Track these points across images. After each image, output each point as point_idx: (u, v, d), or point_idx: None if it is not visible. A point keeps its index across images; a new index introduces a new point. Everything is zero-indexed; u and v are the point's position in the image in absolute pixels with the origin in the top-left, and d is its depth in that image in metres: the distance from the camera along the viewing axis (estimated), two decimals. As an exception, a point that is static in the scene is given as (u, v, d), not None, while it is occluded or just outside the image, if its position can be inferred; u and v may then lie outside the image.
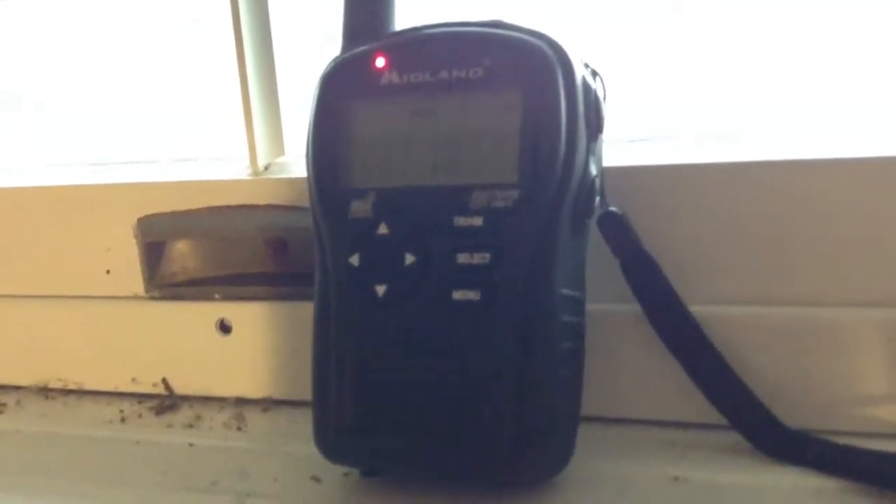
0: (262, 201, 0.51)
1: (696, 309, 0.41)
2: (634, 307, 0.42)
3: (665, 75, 0.50)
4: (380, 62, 0.39)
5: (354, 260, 0.38)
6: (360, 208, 0.39)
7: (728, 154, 0.43)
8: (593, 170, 0.38)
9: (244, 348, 0.52)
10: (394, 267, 0.38)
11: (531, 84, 0.36)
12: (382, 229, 0.38)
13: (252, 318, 0.52)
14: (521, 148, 0.36)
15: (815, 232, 0.41)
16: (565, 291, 0.37)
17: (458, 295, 0.36)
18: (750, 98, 0.49)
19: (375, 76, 0.39)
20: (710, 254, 0.43)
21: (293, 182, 0.51)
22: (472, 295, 0.36)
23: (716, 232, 0.43)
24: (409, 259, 0.37)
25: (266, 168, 0.53)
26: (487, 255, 0.36)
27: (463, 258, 0.37)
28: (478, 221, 0.36)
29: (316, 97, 0.40)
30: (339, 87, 0.40)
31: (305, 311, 0.41)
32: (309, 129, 0.40)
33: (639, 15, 0.50)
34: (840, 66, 0.47)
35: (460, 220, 0.37)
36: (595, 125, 0.38)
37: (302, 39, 0.54)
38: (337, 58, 0.40)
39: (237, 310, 0.52)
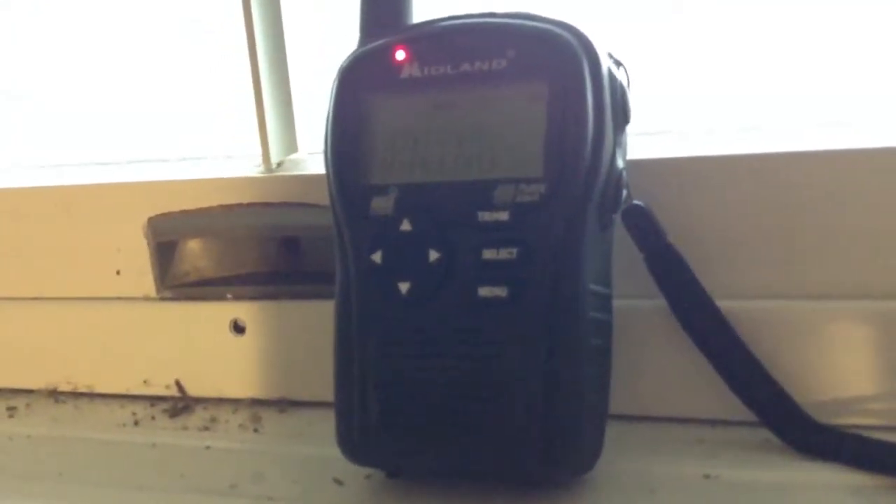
0: (274, 199, 0.50)
1: (724, 303, 0.41)
2: (660, 302, 0.41)
3: (678, 68, 0.49)
4: (400, 55, 0.38)
5: (377, 257, 0.37)
6: (382, 205, 0.38)
7: (750, 146, 0.43)
8: (620, 162, 0.37)
9: (258, 349, 0.51)
10: (417, 264, 0.37)
11: (556, 75, 0.36)
12: (405, 226, 0.37)
13: (266, 317, 0.51)
14: (546, 141, 0.35)
15: (846, 222, 0.41)
16: (593, 287, 0.36)
17: (484, 292, 0.36)
18: (764, 91, 0.48)
19: (396, 69, 0.38)
20: (737, 247, 0.42)
21: (307, 179, 0.50)
22: (499, 291, 0.35)
23: (742, 225, 0.42)
24: (433, 256, 0.36)
25: (279, 165, 0.52)
26: (514, 251, 0.35)
27: (489, 254, 0.36)
28: (503, 216, 0.36)
29: (334, 92, 0.39)
30: (358, 81, 0.39)
31: (320, 310, 0.40)
32: (327, 125, 0.39)
33: (649, 10, 0.49)
34: (853, 57, 0.47)
35: (485, 216, 0.36)
36: (622, 117, 0.37)
37: (314, 34, 0.53)
38: (355, 51, 0.40)
39: (251, 310, 0.51)
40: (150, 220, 0.53)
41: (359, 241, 0.38)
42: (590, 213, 0.36)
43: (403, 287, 0.37)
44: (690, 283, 0.41)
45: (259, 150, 0.52)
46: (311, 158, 0.53)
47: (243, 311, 0.52)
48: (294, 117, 0.53)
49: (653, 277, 0.41)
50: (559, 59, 0.36)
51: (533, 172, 0.36)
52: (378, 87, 0.38)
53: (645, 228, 0.40)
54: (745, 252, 0.42)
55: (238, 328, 0.52)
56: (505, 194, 0.36)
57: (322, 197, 0.41)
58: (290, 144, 0.53)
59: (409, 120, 0.38)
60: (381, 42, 0.39)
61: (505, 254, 0.36)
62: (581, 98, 0.35)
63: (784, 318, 0.42)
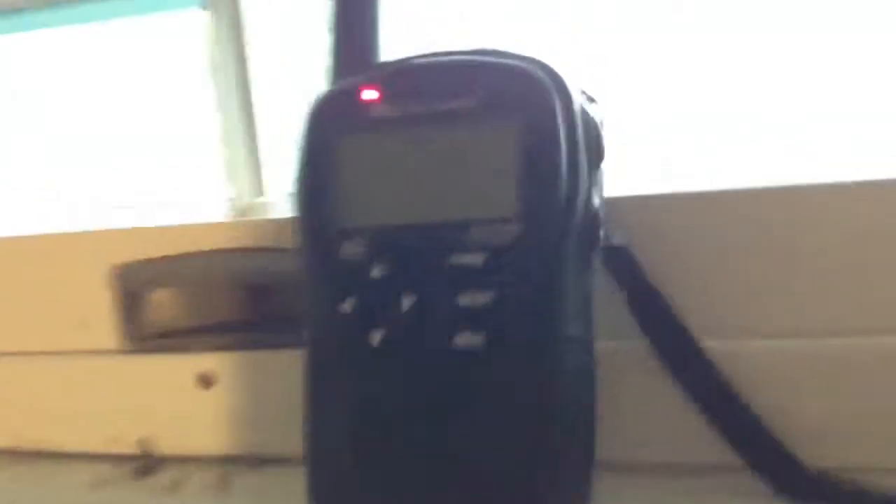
0: (243, 244, 0.49)
1: (709, 344, 0.39)
2: (641, 343, 0.40)
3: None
4: (370, 94, 0.37)
5: (347, 305, 0.36)
6: (352, 249, 0.36)
7: (733, 181, 0.41)
8: (596, 201, 0.36)
9: (229, 402, 0.49)
10: (390, 311, 0.35)
11: (528, 112, 0.35)
12: (376, 271, 0.36)
13: (237, 369, 0.49)
14: (519, 180, 0.34)
15: (831, 258, 0.39)
16: (574, 332, 0.35)
17: (460, 340, 0.34)
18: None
19: (366, 109, 0.37)
20: (720, 285, 0.41)
21: (275, 224, 0.48)
22: (476, 340, 0.34)
23: (725, 262, 0.41)
24: (407, 302, 0.35)
25: (246, 210, 0.50)
26: (490, 295, 0.34)
27: (464, 299, 0.34)
28: (478, 259, 0.34)
29: (303, 133, 0.38)
30: (327, 122, 0.38)
31: (293, 360, 0.38)
32: (296, 167, 0.38)
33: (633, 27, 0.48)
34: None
35: (459, 259, 0.34)
36: (596, 154, 0.36)
37: (281, 78, 0.52)
38: (325, 91, 0.38)
39: (220, 361, 0.49)
40: (115, 269, 0.51)
41: (328, 288, 0.37)
42: (567, 254, 0.34)
43: (376, 336, 0.35)
44: (673, 323, 0.39)
45: (226, 195, 0.50)
46: (280, 202, 0.51)
47: (213, 362, 0.49)
48: (261, 160, 0.51)
49: (634, 318, 0.40)
50: (530, 95, 0.35)
51: (506, 213, 0.34)
52: (348, 127, 0.37)
53: (625, 268, 0.39)
54: (731, 290, 0.41)
55: (207, 381, 0.50)
56: (478, 236, 0.34)
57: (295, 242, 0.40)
58: (257, 188, 0.51)
59: (379, 160, 0.37)
60: (350, 81, 0.38)
61: (481, 298, 0.34)
62: (553, 135, 0.34)
63: (772, 358, 0.40)
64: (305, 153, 0.38)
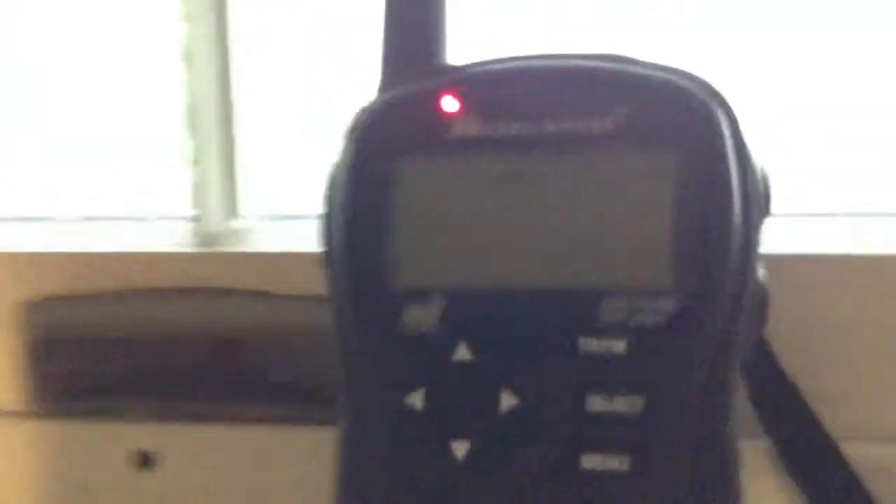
0: (207, 283, 0.39)
1: (849, 447, 0.32)
2: (765, 444, 0.32)
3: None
4: (451, 104, 0.27)
5: (417, 399, 0.26)
6: (422, 319, 0.26)
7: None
8: (761, 271, 0.27)
9: (174, 489, 0.40)
10: (482, 414, 0.25)
11: (690, 145, 0.25)
12: (462, 353, 0.26)
13: (187, 447, 0.40)
14: (676, 235, 0.25)
15: None
16: (735, 442, 0.26)
17: (590, 462, 0.25)
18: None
19: (444, 124, 0.27)
20: (861, 376, 0.33)
21: (254, 258, 0.39)
22: (615, 463, 0.24)
23: (870, 345, 0.33)
24: (508, 402, 0.25)
25: (215, 237, 0.41)
26: (638, 401, 0.24)
27: (598, 404, 0.25)
28: (619, 346, 0.25)
29: (348, 154, 0.27)
30: (386, 140, 0.27)
31: (266, 440, 0.34)
32: (334, 198, 0.28)
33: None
34: None
35: (590, 345, 0.25)
36: (765, 207, 0.27)
37: (267, 67, 0.41)
38: (379, 98, 0.28)
39: (166, 435, 0.40)
40: (27, 306, 0.40)
41: (386, 371, 0.26)
42: (737, 340, 0.25)
43: (459, 447, 0.25)
44: (807, 420, 0.31)
45: (188, 214, 0.41)
46: (260, 227, 0.41)
47: (155, 436, 0.40)
48: (236, 172, 0.40)
49: (758, 413, 0.31)
50: (693, 122, 0.25)
51: (658, 282, 0.25)
52: (417, 148, 0.27)
53: (755, 351, 0.30)
54: (876, 382, 0.33)
55: (146, 460, 0.40)
56: (618, 314, 0.25)
57: (276, 282, 0.35)
58: (230, 207, 0.41)
59: (463, 196, 0.27)
60: (419, 86, 0.28)
61: (624, 404, 0.24)
62: (724, 178, 0.25)
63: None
64: (352, 182, 0.27)
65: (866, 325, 0.33)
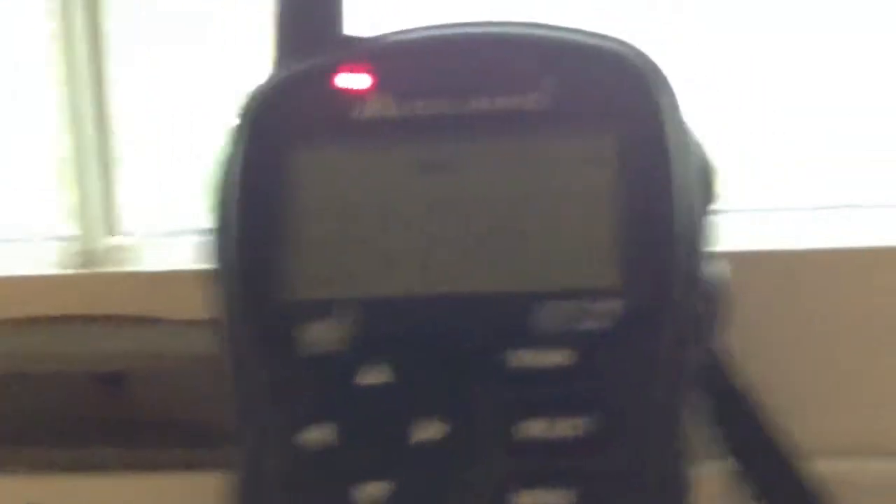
0: (86, 310, 0.34)
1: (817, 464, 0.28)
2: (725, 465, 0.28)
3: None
4: (359, 81, 0.23)
5: (322, 433, 0.22)
6: (327, 337, 0.22)
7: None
8: (720, 266, 0.24)
9: None
10: (399, 448, 0.21)
11: (631, 121, 0.22)
12: (374, 376, 0.22)
13: (70, 498, 0.34)
14: (622, 229, 0.21)
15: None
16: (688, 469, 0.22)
17: (528, 500, 0.21)
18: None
19: (350, 105, 0.23)
20: (830, 388, 0.31)
21: (139, 278, 0.35)
22: (557, 499, 0.21)
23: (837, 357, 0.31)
24: (430, 432, 0.21)
25: (92, 256, 0.36)
26: (581, 422, 0.21)
27: (535, 429, 0.21)
28: (559, 359, 0.21)
29: (237, 143, 0.23)
30: (281, 126, 0.23)
31: (155, 488, 0.31)
32: (221, 196, 0.23)
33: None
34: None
35: (526, 357, 0.21)
36: (708, 193, 0.24)
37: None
38: (273, 77, 0.24)
39: (48, 487, 0.34)
40: None
41: (283, 401, 0.22)
42: (691, 346, 0.22)
43: (374, 490, 0.21)
44: (770, 438, 0.28)
45: (62, 232, 0.36)
46: (146, 245, 0.37)
47: (37, 489, 0.34)
48: (114, 184, 0.36)
49: (719, 432, 0.28)
50: (632, 94, 0.22)
51: (603, 281, 0.21)
52: (318, 134, 0.23)
53: (714, 365, 0.27)
54: (845, 395, 0.31)
55: None
56: (555, 320, 0.21)
57: (164, 306, 0.32)
58: (109, 223, 0.37)
59: (374, 190, 0.23)
60: (319, 61, 0.24)
61: (567, 428, 0.21)
62: (665, 159, 0.22)
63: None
64: (244, 176, 0.23)
65: (835, 330, 0.31)
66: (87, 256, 0.35)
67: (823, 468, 0.29)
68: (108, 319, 0.34)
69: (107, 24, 0.36)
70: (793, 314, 0.30)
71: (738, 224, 0.32)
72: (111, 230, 0.36)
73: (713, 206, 0.24)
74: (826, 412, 0.31)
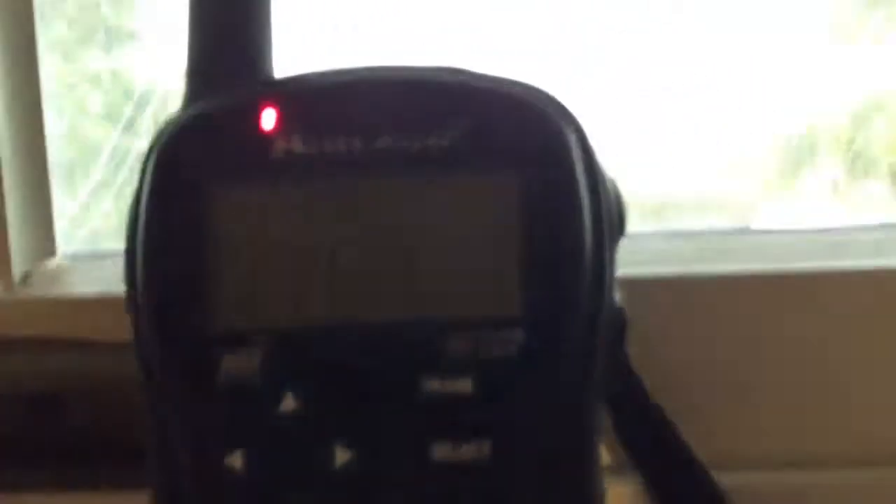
0: (19, 332, 0.33)
1: (723, 477, 0.29)
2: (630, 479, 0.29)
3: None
4: (268, 119, 0.23)
5: (237, 461, 0.22)
6: (241, 367, 0.22)
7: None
8: (617, 295, 0.24)
9: None
10: (314, 473, 0.22)
11: (535, 160, 0.23)
12: (288, 404, 0.22)
13: None
14: (524, 261, 0.22)
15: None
16: (600, 487, 0.23)
17: (436, 520, 0.21)
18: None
19: (261, 143, 0.23)
20: (734, 402, 0.32)
21: (72, 303, 0.34)
22: None
23: (741, 371, 0.32)
24: (342, 457, 0.22)
25: (25, 279, 0.35)
26: (487, 447, 0.21)
27: (443, 452, 0.22)
28: (464, 385, 0.22)
29: (149, 177, 0.24)
30: (193, 161, 0.24)
31: None
32: (135, 233, 0.24)
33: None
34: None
35: (433, 384, 0.22)
36: (618, 227, 0.24)
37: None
38: (186, 113, 0.24)
39: None
40: None
41: (199, 429, 0.23)
42: (596, 373, 0.23)
43: None
44: (680, 452, 0.29)
45: None
46: (80, 267, 0.36)
47: None
48: (52, 202, 0.35)
49: (627, 448, 0.29)
50: (537, 137, 0.23)
51: (504, 310, 0.22)
52: (229, 170, 0.24)
53: (621, 382, 0.28)
54: (749, 409, 0.32)
55: None
56: (461, 349, 0.22)
57: (98, 328, 0.30)
58: (44, 245, 0.36)
59: (284, 224, 0.23)
60: (231, 98, 0.24)
61: (472, 452, 0.22)
62: (572, 196, 0.23)
63: (801, 493, 0.31)
64: (154, 213, 0.23)
65: (734, 347, 0.31)
66: (19, 278, 0.35)
67: (725, 480, 0.30)
68: (41, 342, 0.33)
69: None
70: (689, 335, 0.31)
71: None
72: (43, 253, 0.36)
73: (620, 240, 0.26)
74: (725, 427, 0.31)
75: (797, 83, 0.39)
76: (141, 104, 0.41)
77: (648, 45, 0.39)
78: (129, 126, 0.42)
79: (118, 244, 0.25)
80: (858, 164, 0.41)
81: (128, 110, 0.41)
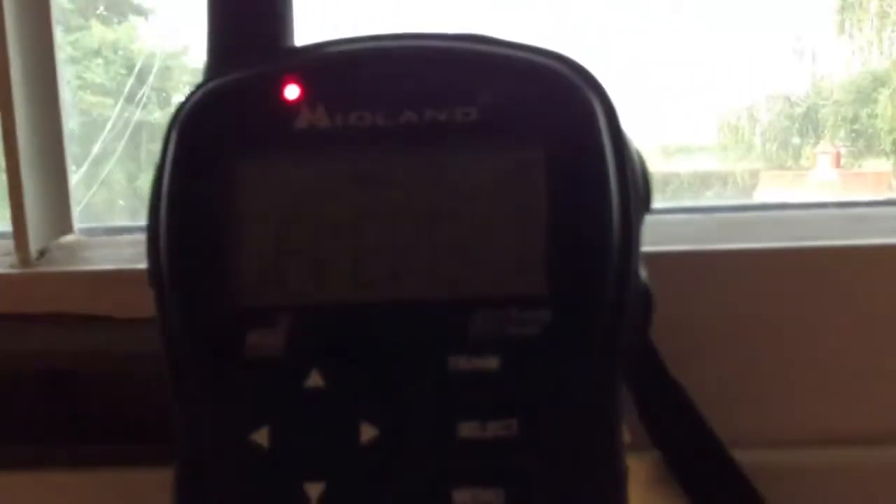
0: (36, 308, 0.33)
1: (740, 455, 0.29)
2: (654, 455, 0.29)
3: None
4: (293, 91, 0.23)
5: (263, 436, 0.22)
6: (267, 343, 0.22)
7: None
8: (643, 273, 0.24)
9: None
10: (339, 449, 0.22)
11: (562, 135, 0.23)
12: (314, 380, 0.22)
13: (18, 496, 0.33)
14: (550, 238, 0.22)
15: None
16: (623, 467, 0.23)
17: (462, 498, 0.21)
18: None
19: (285, 116, 0.23)
20: (749, 377, 0.31)
21: (88, 277, 0.33)
22: (490, 496, 0.21)
23: (757, 349, 0.31)
24: (368, 433, 0.22)
25: (41, 255, 0.34)
26: (514, 423, 0.21)
27: (469, 430, 0.21)
28: (491, 363, 0.22)
29: (171, 150, 0.23)
30: (216, 134, 0.23)
31: (105, 484, 0.30)
32: (158, 206, 0.23)
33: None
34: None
35: (459, 362, 0.22)
36: (645, 203, 0.24)
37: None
38: (207, 85, 0.24)
39: None
40: None
41: (226, 405, 0.22)
42: (621, 353, 0.23)
43: (313, 490, 0.22)
44: (698, 428, 0.29)
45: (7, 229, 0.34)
46: (96, 243, 0.35)
47: None
48: (68, 178, 0.35)
49: (645, 424, 0.29)
50: (564, 109, 0.23)
51: (531, 290, 0.22)
52: (253, 143, 0.23)
53: (640, 359, 0.28)
54: (764, 384, 0.31)
55: None
56: (487, 326, 0.22)
57: (114, 304, 0.30)
58: (61, 222, 0.35)
59: (308, 199, 0.23)
60: (254, 70, 0.24)
61: (499, 428, 0.21)
62: (600, 171, 0.22)
63: (817, 470, 0.31)
64: (176, 186, 0.23)
65: (755, 324, 0.31)
66: (37, 254, 0.34)
67: (745, 458, 0.29)
68: (56, 318, 0.33)
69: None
70: (710, 312, 0.31)
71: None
72: (60, 230, 0.35)
73: (647, 214, 0.25)
74: (745, 405, 0.31)
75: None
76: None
77: (648, 45, 0.39)
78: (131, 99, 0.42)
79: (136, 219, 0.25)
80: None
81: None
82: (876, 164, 0.50)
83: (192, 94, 0.24)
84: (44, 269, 0.34)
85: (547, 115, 0.23)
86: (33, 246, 0.34)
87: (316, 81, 0.23)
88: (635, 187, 0.23)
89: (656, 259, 0.25)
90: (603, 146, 0.22)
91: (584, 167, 0.22)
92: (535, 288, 0.22)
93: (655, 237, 0.29)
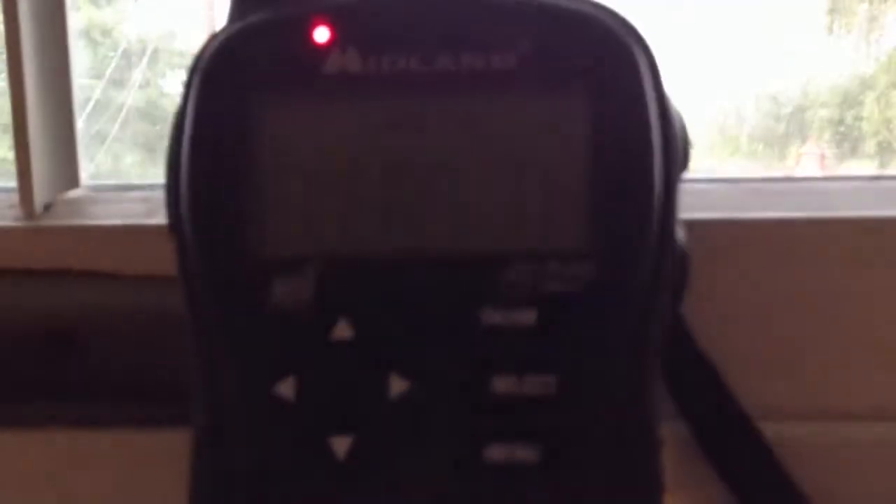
0: (35, 264, 0.32)
1: (767, 426, 0.29)
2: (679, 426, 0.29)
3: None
4: (321, 33, 0.22)
5: (288, 388, 0.21)
6: (293, 293, 0.21)
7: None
8: (680, 232, 0.23)
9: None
10: (367, 402, 0.21)
11: (605, 84, 0.22)
12: (342, 332, 0.21)
13: (20, 454, 0.32)
14: (592, 191, 0.21)
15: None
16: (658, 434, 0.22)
17: (494, 455, 0.21)
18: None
19: (314, 59, 0.22)
20: (780, 351, 0.30)
21: (94, 232, 0.32)
22: (524, 454, 0.21)
23: (790, 319, 0.30)
24: (397, 387, 0.21)
25: (47, 209, 0.33)
26: (552, 380, 0.21)
27: (504, 385, 0.21)
28: (528, 318, 0.21)
29: (193, 94, 0.22)
30: (240, 77, 0.22)
31: (112, 443, 0.30)
32: (179, 152, 0.22)
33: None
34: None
35: (494, 316, 0.21)
36: (683, 161, 0.23)
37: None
38: (232, 27, 0.23)
39: None
40: None
41: (250, 357, 0.22)
42: (660, 310, 0.22)
43: (340, 445, 0.21)
44: (725, 400, 0.28)
45: (12, 183, 0.33)
46: (103, 198, 0.34)
47: None
48: (75, 132, 0.34)
49: (673, 393, 0.28)
50: (606, 56, 0.22)
51: (572, 244, 0.21)
52: (280, 87, 0.22)
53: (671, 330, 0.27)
54: (795, 359, 0.30)
55: None
56: (524, 279, 0.21)
57: (120, 260, 0.30)
58: (67, 175, 0.34)
59: (338, 146, 0.22)
60: (282, 12, 0.23)
61: (535, 385, 0.21)
62: (645, 123, 0.21)
63: (844, 444, 0.30)
64: (200, 131, 0.22)
65: (786, 297, 0.30)
66: (39, 207, 0.33)
67: (771, 431, 0.29)
68: (62, 273, 0.32)
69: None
70: (740, 282, 0.30)
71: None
72: (66, 184, 0.34)
73: (684, 174, 0.25)
74: (774, 377, 0.30)
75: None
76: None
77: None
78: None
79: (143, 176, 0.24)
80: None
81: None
82: (859, 167, 0.50)
83: (215, 36, 0.23)
84: (48, 222, 0.32)
85: (588, 64, 0.22)
86: (38, 199, 0.32)
87: (347, 24, 0.22)
88: (675, 140, 0.22)
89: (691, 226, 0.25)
90: (647, 99, 0.22)
91: (630, 119, 0.21)
92: (576, 241, 0.21)
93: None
